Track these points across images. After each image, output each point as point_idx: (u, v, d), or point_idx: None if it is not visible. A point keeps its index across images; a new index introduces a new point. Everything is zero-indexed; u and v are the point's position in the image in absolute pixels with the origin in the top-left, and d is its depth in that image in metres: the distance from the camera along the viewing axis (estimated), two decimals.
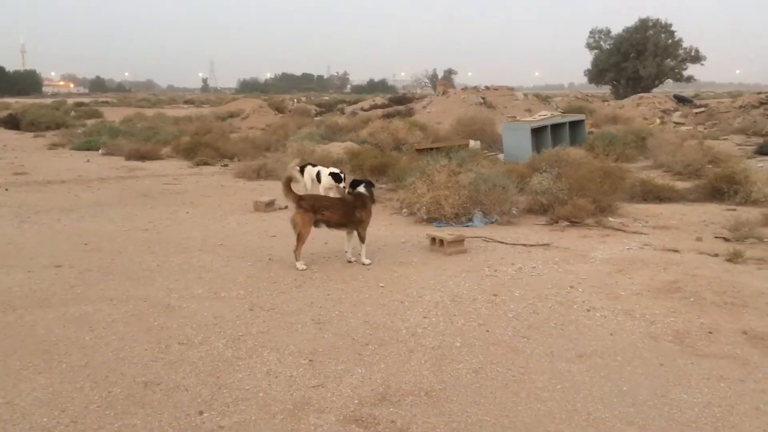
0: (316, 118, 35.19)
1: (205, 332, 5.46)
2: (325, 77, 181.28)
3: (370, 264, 7.48)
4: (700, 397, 4.34)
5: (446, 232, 8.30)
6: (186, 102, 72.90)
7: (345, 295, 6.47)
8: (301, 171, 11.35)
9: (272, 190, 12.96)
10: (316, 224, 7.41)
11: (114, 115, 38.08)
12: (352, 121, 29.26)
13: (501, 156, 18.09)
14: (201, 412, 4.11)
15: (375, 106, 39.55)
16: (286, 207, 11.15)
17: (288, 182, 7.41)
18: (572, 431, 3.92)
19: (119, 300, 6.30)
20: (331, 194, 10.40)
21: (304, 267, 7.28)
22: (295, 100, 57.09)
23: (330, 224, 7.47)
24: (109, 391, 4.40)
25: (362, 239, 7.54)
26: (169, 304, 6.16)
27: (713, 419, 4.07)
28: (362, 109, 38.58)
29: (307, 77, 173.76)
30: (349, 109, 41.48)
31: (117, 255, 8.01)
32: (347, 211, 7.39)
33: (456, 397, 4.32)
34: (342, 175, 10.90)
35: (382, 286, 6.72)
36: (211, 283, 6.86)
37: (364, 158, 15.54)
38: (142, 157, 19.07)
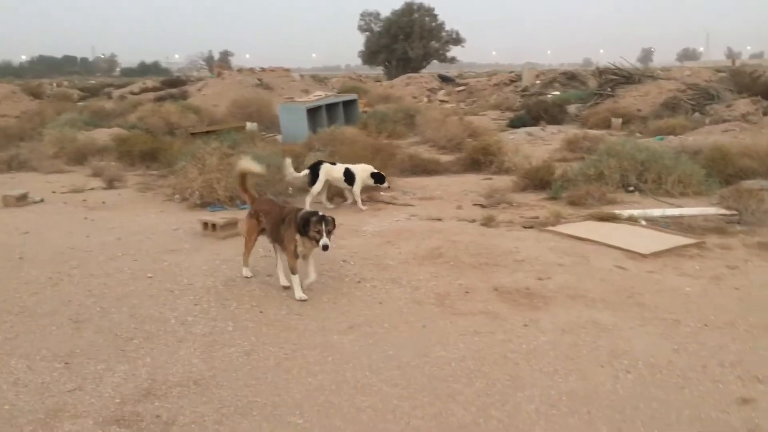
0: (79, 104, 32.43)
1: None
2: (90, 60, 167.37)
3: (304, 300, 5.70)
4: (457, 353, 4.69)
5: (219, 216, 8.10)
6: None
7: (108, 289, 6.04)
8: (314, 172, 9.57)
9: (26, 182, 11.75)
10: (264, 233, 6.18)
11: None
12: (121, 106, 27.37)
13: (279, 137, 18.05)
14: None
15: (146, 90, 37.47)
16: (42, 200, 10.17)
17: (242, 177, 6.39)
18: (340, 400, 4.03)
19: None
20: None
21: (250, 275, 6.30)
22: (55, 84, 52.04)
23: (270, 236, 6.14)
24: None
25: (290, 267, 5.78)
26: None
27: (468, 371, 4.41)
28: (132, 93, 36.34)
29: (69, 60, 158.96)
30: (117, 93, 38.78)
31: None
32: (276, 224, 5.90)
33: (227, 383, 4.24)
34: (384, 176, 9.85)
35: (150, 277, 6.38)
36: None
37: (133, 144, 14.65)
38: None
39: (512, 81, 33.39)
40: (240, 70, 37.92)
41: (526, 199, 10.15)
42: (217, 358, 4.60)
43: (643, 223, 8.31)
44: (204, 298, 5.79)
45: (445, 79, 40.20)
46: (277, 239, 5.94)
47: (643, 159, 10.39)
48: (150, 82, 42.23)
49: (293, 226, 5.62)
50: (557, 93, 28.10)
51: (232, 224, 7.84)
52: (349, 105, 21.48)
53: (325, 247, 5.42)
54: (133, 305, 5.63)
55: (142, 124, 18.98)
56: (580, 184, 10.04)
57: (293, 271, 5.71)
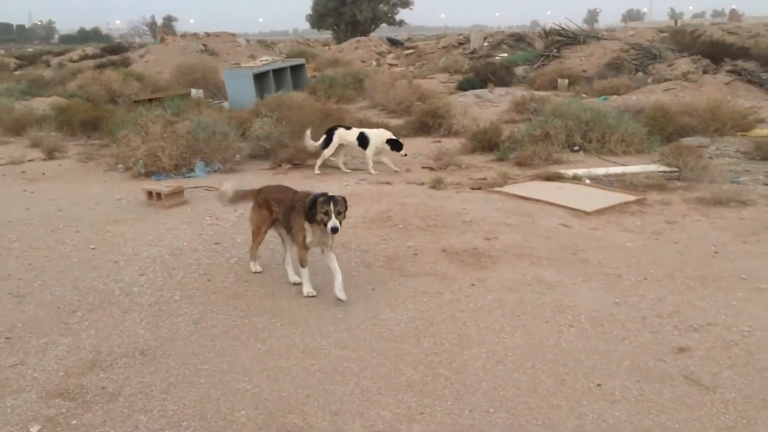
0: (16, 73, 31.16)
1: None
2: (27, 27, 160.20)
3: (313, 295, 5.12)
4: (405, 314, 4.74)
5: (164, 185, 7.94)
6: None
7: (50, 262, 5.88)
8: (329, 135, 9.55)
9: None
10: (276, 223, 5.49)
11: None
12: (60, 74, 26.43)
13: (226, 104, 17.71)
14: None
15: (86, 57, 36.17)
16: None
17: (233, 202, 5.76)
18: (289, 364, 4.04)
19: None
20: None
21: (259, 269, 5.65)
22: None
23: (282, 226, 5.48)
24: None
25: (300, 259, 5.15)
26: None
27: (416, 331, 4.47)
28: (71, 61, 35.06)
29: (5, 27, 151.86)
30: (55, 61, 37.35)
31: None
32: (287, 211, 5.26)
33: (174, 352, 4.20)
34: (402, 142, 9.53)
35: (93, 248, 6.24)
36: None
37: (74, 113, 14.17)
38: None
39: (461, 44, 33.32)
40: (184, 36, 36.81)
41: (475, 160, 10.23)
42: (164, 328, 4.55)
43: (587, 181, 8.49)
44: (150, 268, 5.69)
45: (393, 42, 39.90)
46: (288, 229, 5.29)
47: (587, 119, 10.57)
48: (90, 49, 40.71)
49: (302, 213, 4.98)
50: (505, 55, 28.23)
51: (178, 193, 7.71)
52: (297, 70, 21.17)
53: (334, 230, 4.72)
54: (75, 277, 5.51)
55: (82, 93, 18.39)
56: (526, 145, 10.17)
57: (303, 264, 5.10)
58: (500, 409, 3.54)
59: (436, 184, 8.40)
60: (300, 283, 5.20)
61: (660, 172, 8.73)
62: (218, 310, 4.85)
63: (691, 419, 3.42)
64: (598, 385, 3.76)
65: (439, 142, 11.97)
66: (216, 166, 9.61)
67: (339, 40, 62.57)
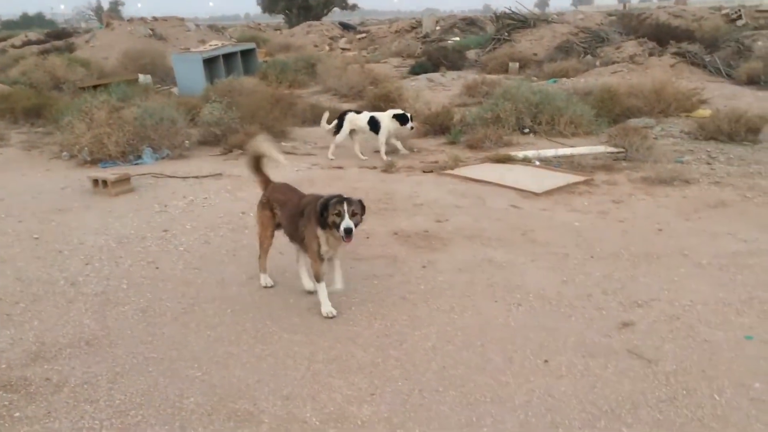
0: None
1: None
2: None
3: (333, 316, 4.46)
4: (357, 297, 4.75)
5: (110, 173, 7.76)
6: None
7: None
8: (340, 121, 9.43)
9: None
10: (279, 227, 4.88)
11: None
12: (1, 61, 25.51)
13: (175, 90, 17.37)
14: None
15: (29, 43, 34.92)
16: None
17: (256, 159, 4.95)
18: (240, 350, 4.02)
19: None
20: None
21: (270, 284, 4.96)
22: None
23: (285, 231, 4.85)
24: None
25: (314, 274, 4.54)
26: None
27: (368, 314, 4.49)
28: (13, 47, 33.83)
29: None
30: None
31: None
32: (293, 217, 4.63)
33: (121, 341, 4.13)
34: (409, 116, 9.32)
35: (36, 238, 6.07)
36: None
37: (16, 100, 13.70)
38: None
39: (413, 28, 33.29)
40: (131, 21, 35.91)
41: (427, 144, 10.27)
42: (111, 317, 4.46)
43: (537, 163, 8.60)
44: (96, 257, 5.57)
45: (346, 26, 39.59)
46: (295, 237, 4.67)
47: (536, 101, 10.69)
48: (33, 35, 39.33)
49: (314, 220, 4.34)
50: (457, 39, 28.31)
51: (124, 180, 7.53)
52: (247, 55, 20.85)
53: (348, 231, 4.12)
54: (18, 268, 5.36)
55: (25, 79, 17.77)
56: (477, 128, 10.24)
57: (318, 278, 4.50)
58: (450, 388, 3.59)
59: (389, 168, 8.42)
60: (315, 292, 4.62)
61: (607, 153, 8.91)
62: (167, 297, 4.78)
63: (634, 391, 3.52)
64: (545, 361, 3.84)
65: None
66: (164, 152, 9.43)
67: (291, 24, 61.76)
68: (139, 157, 9.21)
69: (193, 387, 3.62)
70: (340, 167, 8.73)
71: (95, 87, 15.28)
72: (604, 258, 5.40)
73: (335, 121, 9.50)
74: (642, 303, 4.55)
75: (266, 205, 4.85)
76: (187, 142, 10.05)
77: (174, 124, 9.58)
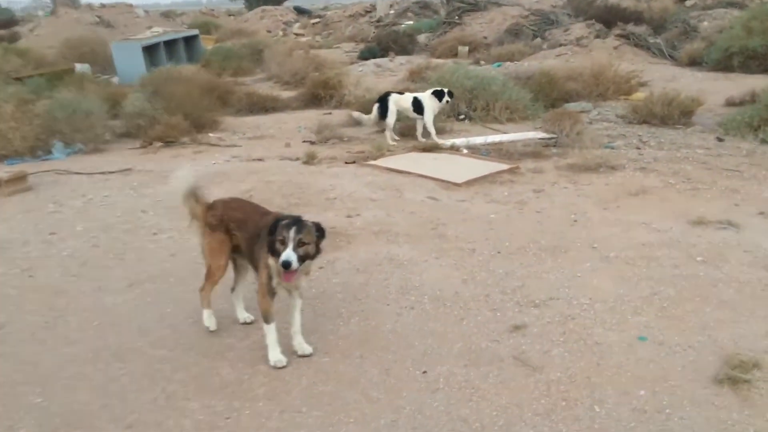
0: None
1: None
2: None
3: (282, 366, 3.66)
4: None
5: (6, 171, 7.28)
6: None
7: None
8: (383, 103, 9.06)
9: None
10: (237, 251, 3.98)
11: None
12: None
13: (116, 79, 16.76)
14: None
15: None
16: None
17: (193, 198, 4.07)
18: (94, 370, 3.65)
19: None
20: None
21: (213, 327, 4.08)
22: None
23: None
24: None
25: (261, 313, 3.70)
26: None
27: (246, 325, 4.16)
28: None
29: None
30: None
31: None
32: (252, 239, 3.77)
33: None
34: (445, 91, 8.99)
35: None
36: None
37: None
38: None
39: (367, 12, 32.80)
40: (77, 7, 34.83)
41: (359, 133, 9.92)
42: None
43: (465, 151, 8.32)
44: None
45: (301, 11, 38.90)
46: (251, 256, 3.83)
47: (471, 86, 10.39)
48: None
49: (266, 244, 3.51)
50: (410, 23, 27.89)
51: (20, 178, 7.06)
52: (191, 41, 20.27)
53: (285, 265, 3.28)
54: None
55: None
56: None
57: (266, 319, 3.67)
58: (315, 407, 3.28)
59: (309, 160, 8.05)
60: (251, 323, 4.08)
61: (538, 139, 8.67)
62: (32, 310, 4.39)
63: (511, 404, 3.25)
64: (424, 372, 3.56)
65: (330, 114, 11.58)
66: (77, 147, 8.93)
67: (251, 9, 60.74)
68: (49, 152, 8.71)
69: (29, 416, 3.26)
70: (260, 159, 8.34)
71: (30, 77, 14.61)
72: (511, 253, 5.13)
73: (376, 105, 9.21)
74: (539, 303, 4.29)
75: (218, 226, 3.90)
76: (107, 134, 9.58)
77: (88, 117, 9.07)
